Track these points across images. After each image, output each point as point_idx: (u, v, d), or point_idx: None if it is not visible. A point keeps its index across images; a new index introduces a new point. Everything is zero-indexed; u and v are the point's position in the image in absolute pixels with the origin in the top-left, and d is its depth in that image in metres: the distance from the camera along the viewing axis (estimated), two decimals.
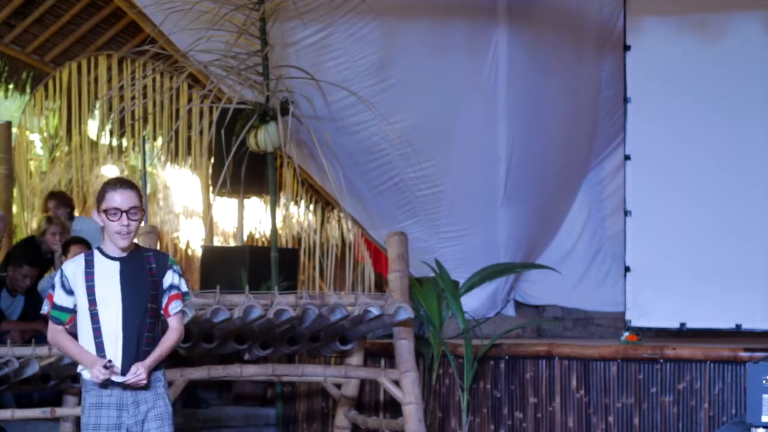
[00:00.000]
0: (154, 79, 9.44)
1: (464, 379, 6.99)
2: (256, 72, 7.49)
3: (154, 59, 8.92)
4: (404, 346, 6.31)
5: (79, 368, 4.30)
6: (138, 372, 4.14)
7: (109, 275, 4.22)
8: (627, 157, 7.68)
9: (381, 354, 7.45)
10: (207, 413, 7.90)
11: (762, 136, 7.40)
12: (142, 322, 4.20)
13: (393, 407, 7.07)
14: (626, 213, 7.66)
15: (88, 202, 11.50)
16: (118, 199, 4.19)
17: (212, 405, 8.08)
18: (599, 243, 9.00)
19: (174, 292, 4.31)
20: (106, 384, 4.20)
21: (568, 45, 8.26)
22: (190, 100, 9.39)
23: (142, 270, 4.25)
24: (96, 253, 4.28)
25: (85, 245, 7.70)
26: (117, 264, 4.24)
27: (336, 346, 6.42)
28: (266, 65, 7.45)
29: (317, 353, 6.88)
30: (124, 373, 4.18)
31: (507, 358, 7.17)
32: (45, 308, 4.34)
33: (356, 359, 6.72)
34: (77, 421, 6.37)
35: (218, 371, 6.19)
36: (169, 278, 4.30)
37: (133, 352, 4.19)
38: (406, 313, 6.16)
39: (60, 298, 4.25)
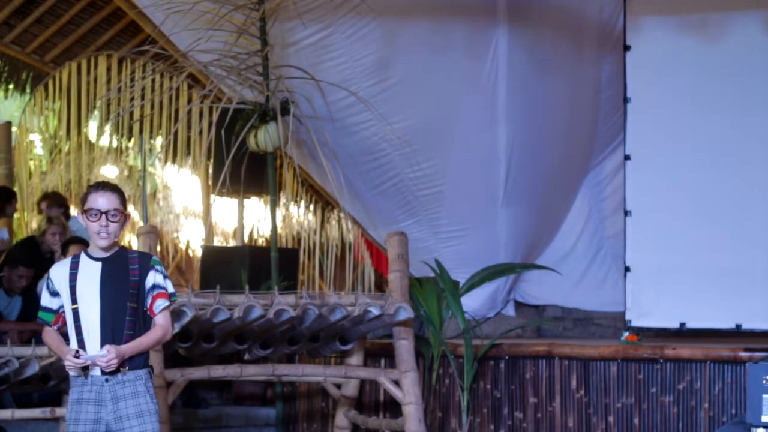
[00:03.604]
0: (154, 80, 9.43)
1: (464, 379, 6.99)
2: (256, 72, 7.49)
3: (154, 59, 8.92)
4: (404, 346, 6.31)
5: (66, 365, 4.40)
6: (107, 351, 4.19)
7: (90, 275, 4.34)
8: (627, 157, 7.69)
9: (381, 354, 7.45)
10: (207, 413, 7.90)
11: (762, 136, 7.40)
12: (121, 320, 4.29)
13: (393, 407, 7.07)
14: (626, 213, 7.66)
15: None
16: (99, 201, 4.34)
17: (212, 405, 8.08)
18: (599, 243, 8.99)
19: (157, 291, 4.38)
20: (85, 374, 4.27)
21: (568, 45, 8.25)
22: (190, 100, 9.39)
23: (124, 270, 4.35)
24: (82, 255, 4.42)
25: (85, 245, 7.69)
26: (99, 264, 4.36)
27: (336, 346, 6.42)
28: (266, 65, 7.45)
29: (317, 353, 6.88)
30: (102, 371, 4.27)
31: (507, 358, 7.17)
32: None
33: (356, 359, 6.72)
34: None
35: (218, 371, 6.18)
36: (152, 278, 4.38)
37: None
38: (406, 313, 6.16)
39: (45, 299, 4.42)
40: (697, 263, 7.46)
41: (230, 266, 8.31)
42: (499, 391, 7.18)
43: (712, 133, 7.49)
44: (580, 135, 8.66)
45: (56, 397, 6.67)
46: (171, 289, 4.43)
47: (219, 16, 7.29)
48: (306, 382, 7.54)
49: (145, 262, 4.40)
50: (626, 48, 7.69)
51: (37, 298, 7.61)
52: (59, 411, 6.25)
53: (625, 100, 7.68)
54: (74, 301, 4.31)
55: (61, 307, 4.37)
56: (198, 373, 6.15)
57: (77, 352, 4.22)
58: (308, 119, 7.58)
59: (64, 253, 7.67)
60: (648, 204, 7.59)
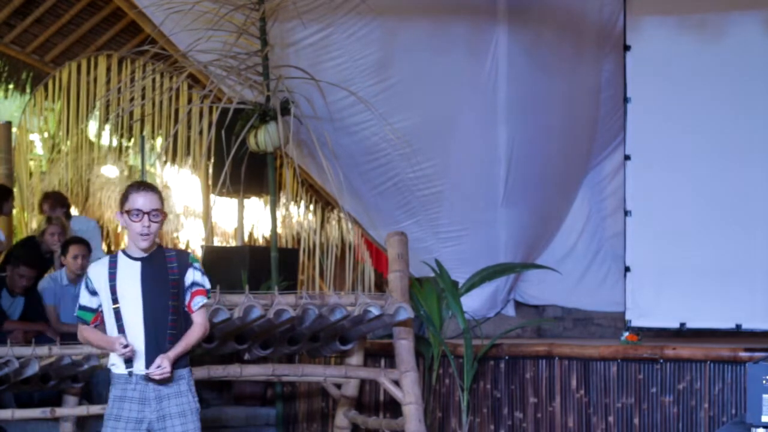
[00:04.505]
0: (154, 80, 9.44)
1: (464, 379, 6.99)
2: (256, 72, 7.49)
3: (154, 59, 8.92)
4: (404, 346, 6.30)
5: (108, 363, 4.45)
6: (162, 365, 4.27)
7: (131, 275, 4.37)
8: (627, 157, 7.69)
9: (381, 354, 7.45)
10: (207, 413, 7.88)
11: (762, 136, 7.40)
12: (164, 318, 4.35)
13: (393, 407, 7.07)
14: (626, 213, 7.66)
15: (87, 201, 11.52)
16: (141, 201, 4.36)
17: (212, 405, 8.08)
18: (599, 243, 8.99)
19: (196, 288, 4.45)
20: (129, 372, 4.33)
21: (568, 45, 8.26)
22: (190, 101, 9.39)
23: (163, 269, 4.39)
24: (120, 254, 4.45)
25: (84, 245, 7.70)
26: (138, 264, 4.40)
27: (336, 346, 6.42)
28: (266, 65, 7.45)
29: (317, 353, 6.88)
30: (148, 366, 4.32)
31: (507, 358, 7.17)
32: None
33: (356, 359, 6.71)
34: (77, 421, 6.41)
35: (218, 371, 6.18)
36: (191, 276, 4.44)
37: (156, 348, 4.33)
38: (406, 313, 6.16)
39: (84, 298, 4.44)
40: (697, 263, 7.46)
41: (230, 266, 8.31)
42: (499, 391, 7.18)
43: (712, 133, 7.50)
44: (580, 135, 8.66)
45: (56, 397, 6.67)
46: (208, 284, 4.50)
47: (219, 16, 7.29)
48: (306, 382, 7.54)
49: (183, 260, 4.46)
50: (626, 48, 7.69)
51: (39, 298, 7.65)
52: (59, 411, 6.25)
53: (625, 100, 7.68)
54: (115, 300, 4.35)
55: (100, 306, 4.41)
56: (198, 373, 6.13)
57: (126, 346, 4.25)
58: (308, 119, 7.58)
59: (64, 254, 7.67)
60: (648, 204, 7.59)
